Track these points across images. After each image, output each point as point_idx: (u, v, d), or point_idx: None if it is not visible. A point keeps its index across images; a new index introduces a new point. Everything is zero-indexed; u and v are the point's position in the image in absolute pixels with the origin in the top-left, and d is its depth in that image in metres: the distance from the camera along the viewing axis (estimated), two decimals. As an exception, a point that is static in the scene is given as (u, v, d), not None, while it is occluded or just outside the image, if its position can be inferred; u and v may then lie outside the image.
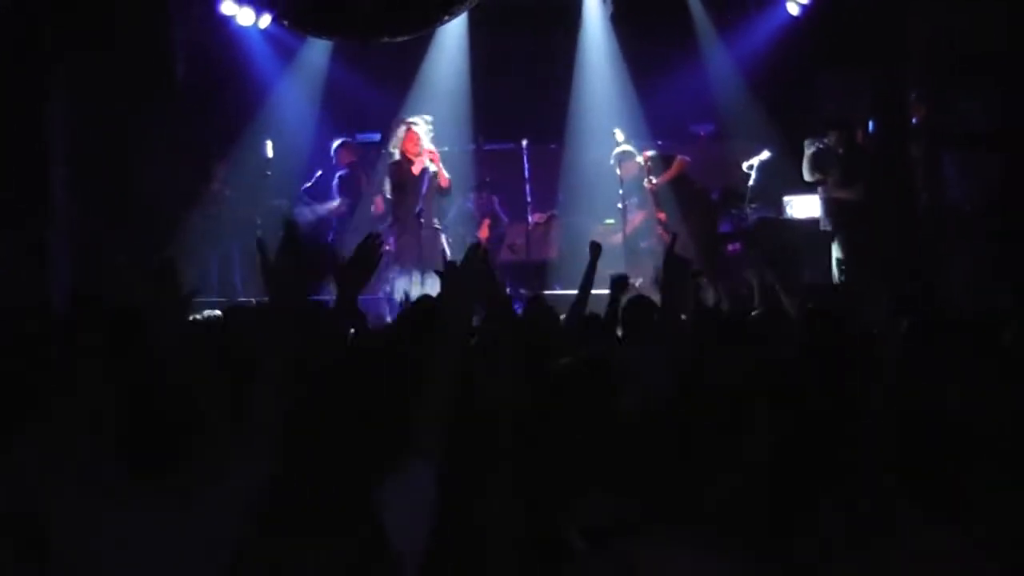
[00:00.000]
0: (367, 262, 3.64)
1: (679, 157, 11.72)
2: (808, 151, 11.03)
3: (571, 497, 3.12)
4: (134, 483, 2.83)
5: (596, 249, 6.13)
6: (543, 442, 3.29)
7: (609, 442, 3.15)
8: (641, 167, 11.45)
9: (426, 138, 10.84)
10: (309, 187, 12.19)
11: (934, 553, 2.69)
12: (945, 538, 2.70)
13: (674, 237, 4.88)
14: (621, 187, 11.29)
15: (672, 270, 4.40)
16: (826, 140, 11.00)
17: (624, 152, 11.39)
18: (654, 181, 11.43)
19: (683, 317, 5.10)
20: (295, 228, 3.22)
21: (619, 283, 5.97)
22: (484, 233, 11.67)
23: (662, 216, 11.38)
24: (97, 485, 2.83)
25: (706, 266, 10.24)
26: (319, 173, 12.26)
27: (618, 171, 11.31)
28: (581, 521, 2.98)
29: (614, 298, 5.86)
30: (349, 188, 12.05)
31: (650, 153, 11.59)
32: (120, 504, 2.79)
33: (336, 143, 12.18)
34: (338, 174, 12.10)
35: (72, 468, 2.91)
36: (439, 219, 11.05)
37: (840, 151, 10.90)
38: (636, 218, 11.45)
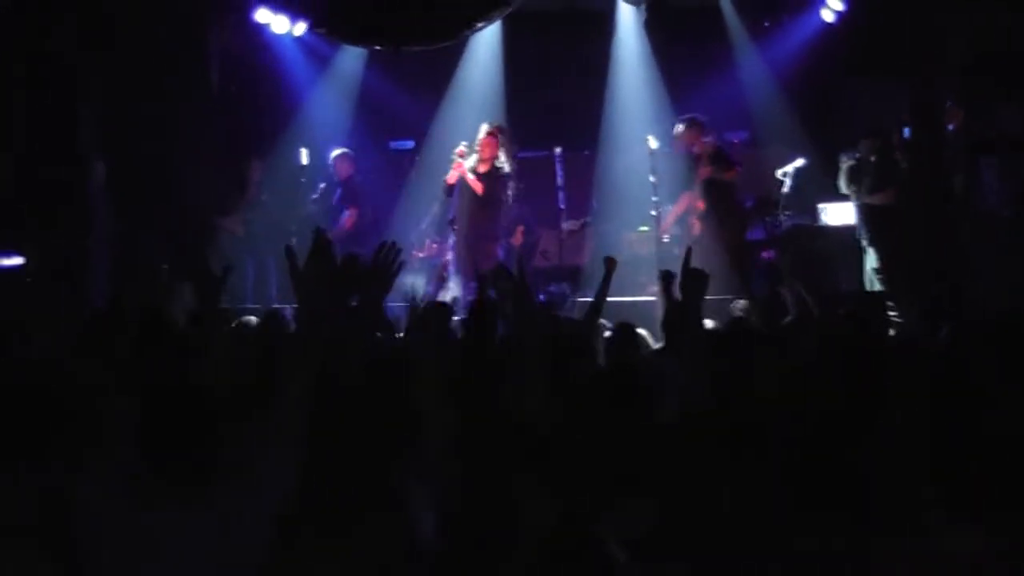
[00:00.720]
0: (386, 269, 3.64)
1: (737, 168, 11.41)
2: (844, 165, 10.97)
3: (610, 505, 3.11)
4: (161, 485, 2.85)
5: (611, 264, 6.27)
6: (576, 448, 3.29)
7: (647, 449, 3.14)
8: (702, 149, 11.11)
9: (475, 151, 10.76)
10: (315, 199, 12.11)
11: (958, 554, 2.68)
12: (970, 539, 2.69)
13: (688, 250, 4.88)
14: (655, 192, 11.13)
15: (690, 281, 4.44)
16: (859, 151, 10.96)
17: (695, 122, 11.12)
18: (708, 170, 11.07)
19: (712, 325, 5.09)
20: (324, 236, 3.26)
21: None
22: (518, 240, 11.67)
23: (701, 205, 11.10)
24: (125, 486, 2.85)
25: (739, 276, 10.19)
26: (323, 186, 12.11)
27: (679, 139, 11.05)
28: (621, 531, 2.97)
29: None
30: (351, 200, 11.97)
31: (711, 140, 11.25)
32: (147, 505, 2.82)
33: (333, 154, 11.97)
34: (339, 188, 12.00)
35: (102, 470, 2.94)
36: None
37: (872, 159, 10.85)
38: (671, 216, 11.29)
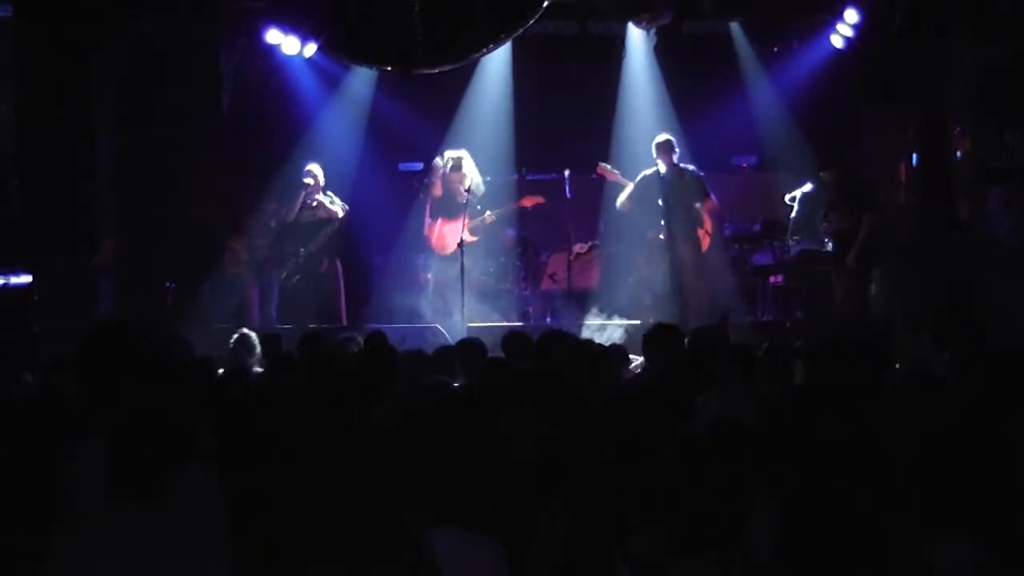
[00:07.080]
0: None
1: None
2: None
3: (622, 528, 3.10)
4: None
5: None
6: (585, 475, 3.29)
7: (663, 472, 3.14)
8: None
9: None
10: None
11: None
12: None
13: None
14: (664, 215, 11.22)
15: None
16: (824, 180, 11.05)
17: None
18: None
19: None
20: None
21: None
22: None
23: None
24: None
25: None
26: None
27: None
28: (632, 553, 2.97)
29: None
30: None
31: None
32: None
33: None
34: None
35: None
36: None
37: (838, 188, 10.88)
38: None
